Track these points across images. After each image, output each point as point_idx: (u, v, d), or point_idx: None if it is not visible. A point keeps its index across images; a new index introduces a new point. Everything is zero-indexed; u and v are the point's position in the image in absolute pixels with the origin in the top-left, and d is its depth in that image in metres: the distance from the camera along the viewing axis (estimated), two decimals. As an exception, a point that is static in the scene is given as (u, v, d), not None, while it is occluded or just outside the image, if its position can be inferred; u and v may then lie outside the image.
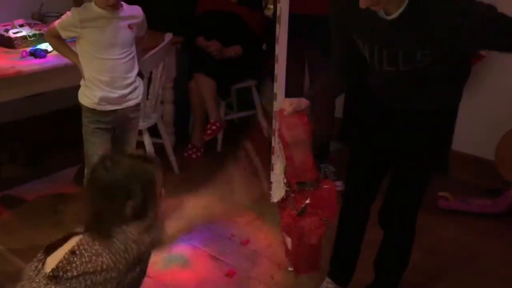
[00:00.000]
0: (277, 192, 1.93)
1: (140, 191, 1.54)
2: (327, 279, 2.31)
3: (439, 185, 3.02)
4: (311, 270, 2.04)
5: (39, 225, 2.81)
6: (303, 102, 1.92)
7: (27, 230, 2.77)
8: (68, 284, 1.48)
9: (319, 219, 1.81)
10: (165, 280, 2.45)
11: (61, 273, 1.48)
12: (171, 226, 1.66)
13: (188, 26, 3.70)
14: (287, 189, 1.89)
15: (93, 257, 1.48)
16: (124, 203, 1.53)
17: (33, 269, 1.54)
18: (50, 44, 2.63)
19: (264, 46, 3.80)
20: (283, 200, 1.92)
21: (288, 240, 1.91)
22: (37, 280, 1.50)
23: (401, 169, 2.01)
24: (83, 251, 1.49)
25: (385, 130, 1.99)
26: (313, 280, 2.36)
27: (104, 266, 1.47)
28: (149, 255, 1.63)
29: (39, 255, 1.58)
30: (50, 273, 1.48)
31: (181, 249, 2.67)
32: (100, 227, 1.52)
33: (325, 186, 1.86)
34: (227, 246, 2.72)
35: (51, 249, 1.57)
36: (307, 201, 1.82)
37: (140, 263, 1.57)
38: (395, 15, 1.65)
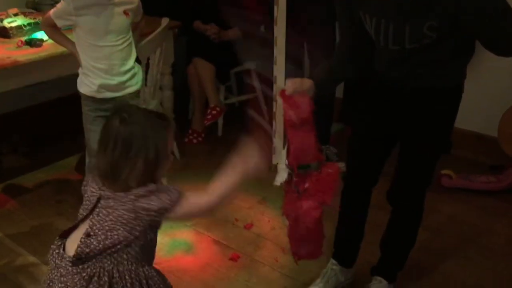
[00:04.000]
0: (280, 175, 1.91)
1: (153, 148, 1.47)
2: (332, 260, 2.31)
3: (442, 163, 2.98)
4: (310, 256, 2.01)
5: (42, 214, 2.81)
6: (306, 82, 1.90)
7: (30, 220, 2.78)
8: (94, 260, 1.48)
9: (315, 202, 1.80)
10: (169, 265, 2.44)
11: (83, 256, 1.47)
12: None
13: (185, 10, 3.66)
14: (290, 172, 1.87)
15: (108, 233, 1.46)
16: (137, 159, 1.46)
17: (56, 256, 1.53)
18: (46, 33, 2.60)
19: (262, 28, 3.77)
20: (286, 183, 1.91)
21: (287, 224, 1.90)
22: (63, 265, 1.50)
23: (409, 148, 1.99)
24: (96, 230, 1.47)
25: (388, 111, 1.97)
26: (319, 262, 2.35)
27: (121, 238, 1.46)
28: (160, 220, 1.52)
29: (55, 241, 1.56)
30: (74, 258, 1.48)
31: (185, 235, 2.68)
32: (115, 179, 1.46)
33: (329, 170, 1.84)
34: (230, 230, 2.72)
35: (66, 234, 1.55)
36: (306, 185, 1.81)
37: (154, 227, 1.53)
38: None
